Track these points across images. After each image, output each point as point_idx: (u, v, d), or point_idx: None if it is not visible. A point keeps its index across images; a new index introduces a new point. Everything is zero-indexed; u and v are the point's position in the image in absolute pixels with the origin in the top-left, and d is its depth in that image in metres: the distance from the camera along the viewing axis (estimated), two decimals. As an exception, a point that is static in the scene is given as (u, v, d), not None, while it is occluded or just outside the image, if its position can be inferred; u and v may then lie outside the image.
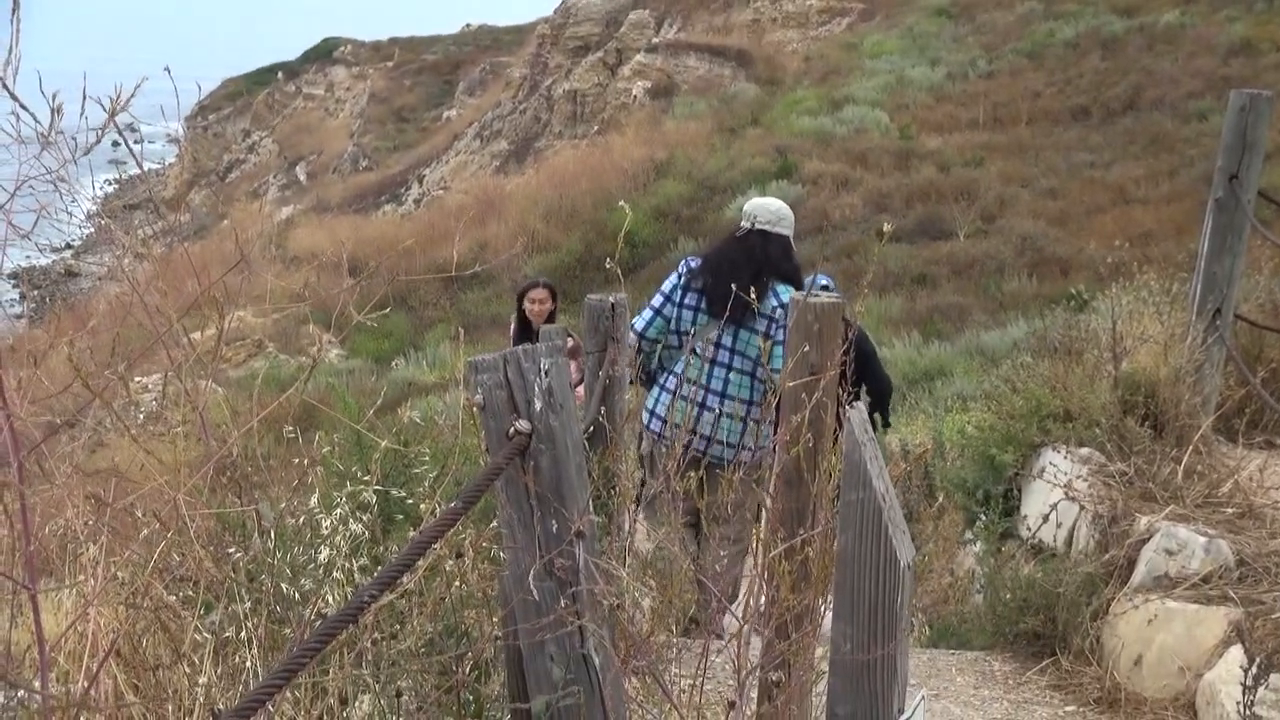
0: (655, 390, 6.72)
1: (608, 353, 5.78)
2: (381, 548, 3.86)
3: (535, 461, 2.78)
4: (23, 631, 3.15)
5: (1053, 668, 5.66)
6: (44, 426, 3.30)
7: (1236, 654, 4.78)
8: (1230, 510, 5.80)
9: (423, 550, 2.47)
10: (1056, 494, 6.30)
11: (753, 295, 5.44)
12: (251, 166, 71.81)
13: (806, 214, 28.48)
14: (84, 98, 2.93)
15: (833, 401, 4.08)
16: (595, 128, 48.15)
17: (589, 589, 2.87)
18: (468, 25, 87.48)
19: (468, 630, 3.65)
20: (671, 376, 6.62)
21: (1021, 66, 37.81)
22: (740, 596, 6.51)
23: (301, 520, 3.80)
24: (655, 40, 52.36)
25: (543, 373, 2.76)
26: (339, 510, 3.80)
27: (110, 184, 61.29)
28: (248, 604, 3.37)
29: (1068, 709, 5.34)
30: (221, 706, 3.15)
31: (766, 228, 6.52)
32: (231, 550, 3.55)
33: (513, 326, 10.75)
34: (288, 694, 3.23)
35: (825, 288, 5.95)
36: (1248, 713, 3.81)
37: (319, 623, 3.10)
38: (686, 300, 6.55)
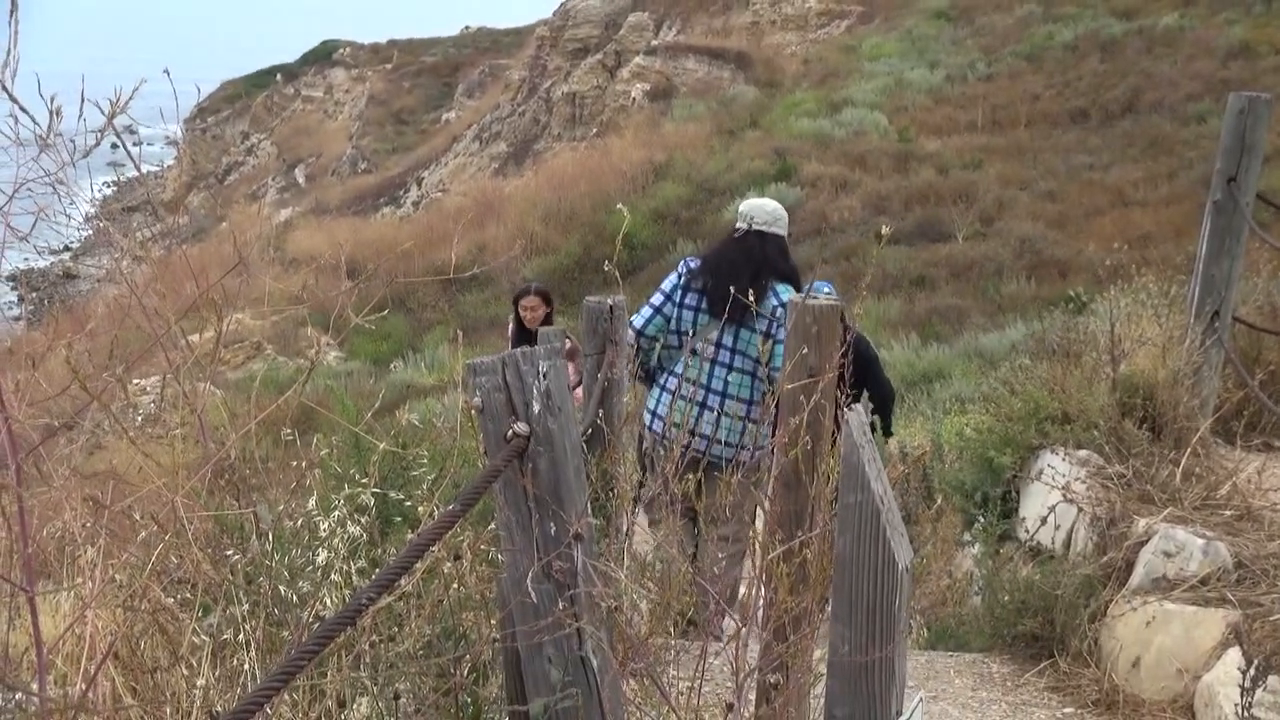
0: (655, 390, 6.75)
1: (606, 355, 5.78)
2: (380, 550, 3.86)
3: (533, 464, 2.78)
4: (20, 634, 3.15)
5: (1051, 670, 5.66)
6: (42, 429, 3.30)
7: (1235, 656, 4.78)
8: (1228, 512, 5.80)
9: (421, 553, 2.47)
10: (1055, 496, 6.30)
11: (752, 295, 5.47)
12: (250, 169, 71.80)
13: (805, 216, 28.52)
14: (82, 100, 2.93)
15: (831, 404, 4.08)
16: (594, 130, 48.17)
17: (587, 591, 2.87)
18: (467, 27, 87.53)
19: (466, 632, 3.65)
20: (672, 377, 6.66)
21: (1020, 69, 37.83)
22: (738, 598, 6.54)
23: (300, 522, 3.80)
24: (654, 42, 52.38)
25: (541, 375, 2.76)
26: (337, 512, 3.80)
27: (109, 186, 61.27)
28: (246, 606, 3.37)
29: (1066, 711, 5.34)
30: (219, 709, 3.15)
31: (763, 228, 6.58)
32: (229, 553, 3.55)
33: (510, 329, 10.76)
34: (286, 696, 3.23)
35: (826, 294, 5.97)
36: (1246, 714, 3.81)
37: (317, 625, 3.10)
38: (687, 300, 6.58)
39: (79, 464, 4.71)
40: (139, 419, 5.26)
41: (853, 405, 3.37)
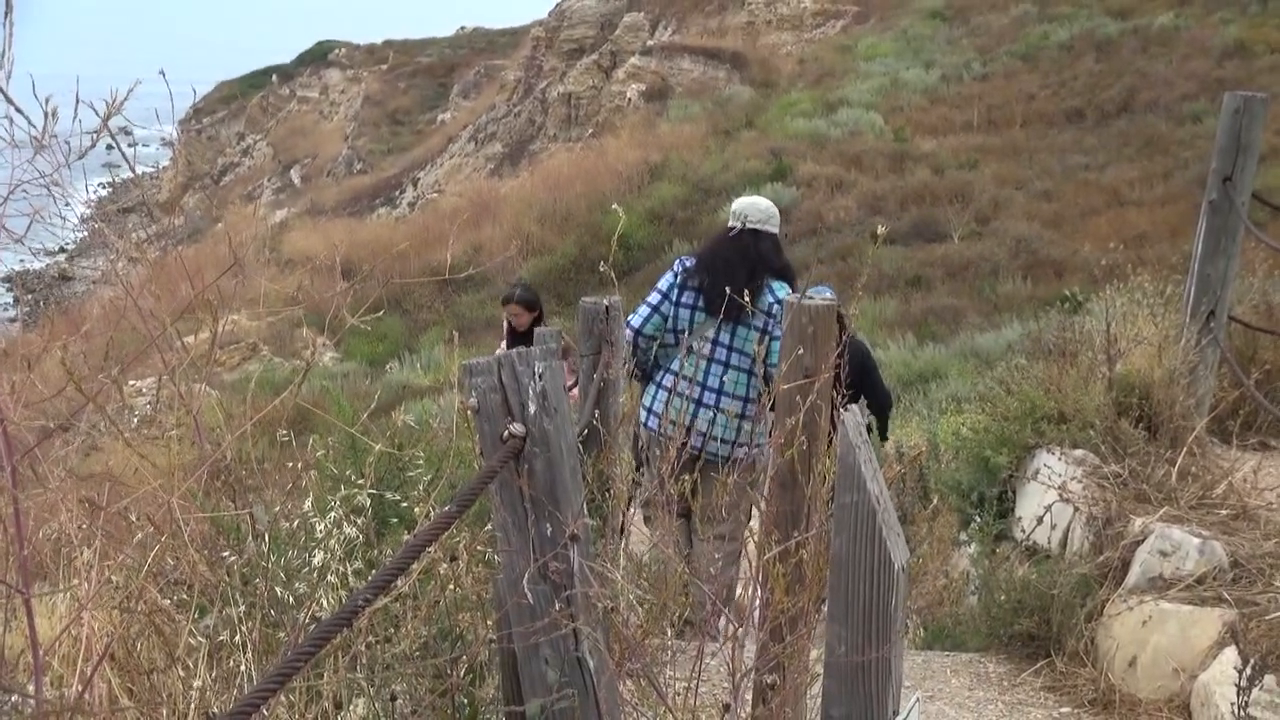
0: (652, 388, 6.78)
1: (602, 355, 5.79)
2: (376, 551, 3.85)
3: (530, 465, 2.78)
4: (16, 636, 3.15)
5: (1047, 669, 5.67)
6: (38, 430, 3.30)
7: (1231, 655, 4.78)
8: (1224, 512, 5.81)
9: (417, 554, 2.47)
10: (1051, 496, 6.30)
11: (748, 293, 5.50)
12: (246, 170, 71.76)
13: (801, 216, 28.54)
14: (77, 101, 2.92)
15: (827, 404, 4.08)
16: (590, 130, 48.17)
17: (583, 592, 2.87)
18: (462, 28, 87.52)
19: (462, 633, 3.65)
20: (669, 374, 6.69)
21: (1016, 69, 37.84)
22: (734, 598, 6.55)
23: (296, 524, 3.79)
24: (650, 43, 52.37)
25: (537, 376, 2.76)
26: (333, 514, 3.80)
27: (104, 187, 61.21)
28: (242, 608, 3.36)
29: (1062, 710, 5.34)
30: (216, 710, 3.15)
31: (758, 226, 6.66)
32: (226, 554, 3.55)
33: (505, 329, 10.75)
34: (282, 697, 3.23)
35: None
36: (1242, 714, 3.81)
37: (314, 626, 3.10)
38: (683, 299, 6.62)
39: (75, 466, 4.71)
40: (134, 420, 5.25)
41: (849, 406, 3.37)
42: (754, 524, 5.61)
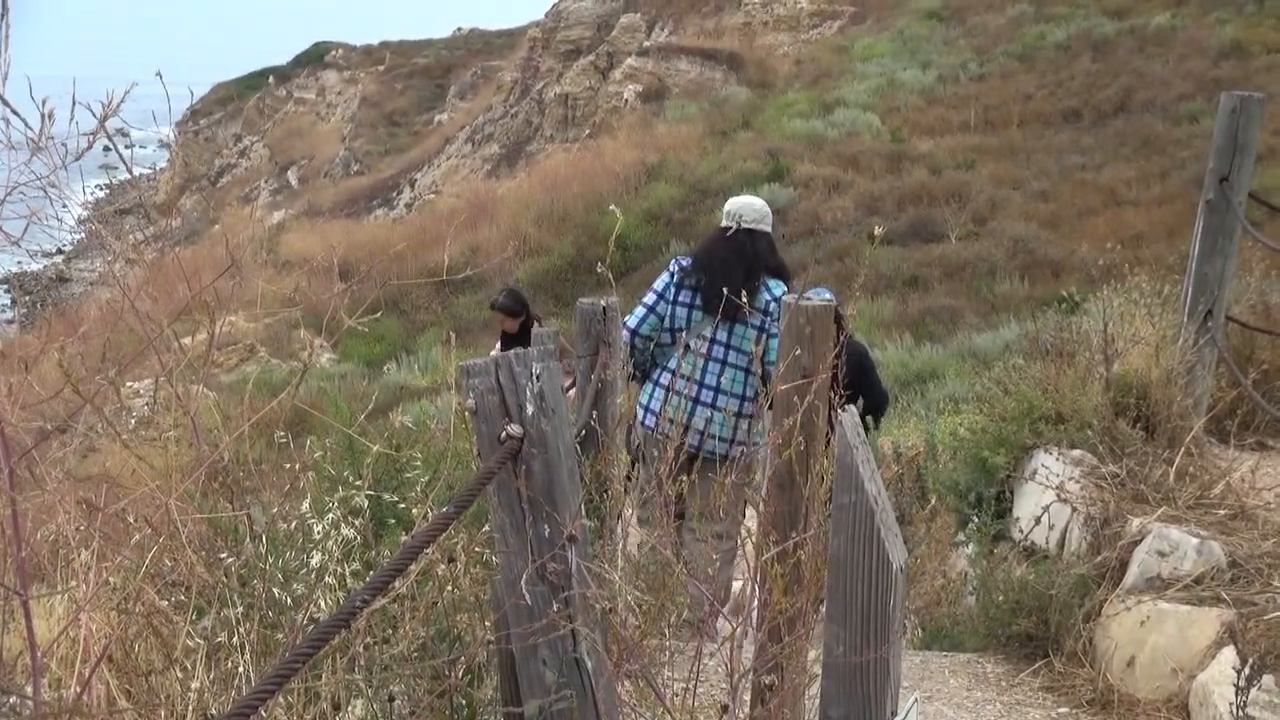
0: (649, 386, 6.81)
1: (599, 356, 5.79)
2: (373, 552, 3.85)
3: (527, 466, 2.78)
4: (14, 637, 3.15)
5: (1045, 669, 5.67)
6: (35, 432, 3.29)
7: (1229, 655, 4.78)
8: (1222, 512, 5.81)
9: (415, 555, 2.47)
10: (1048, 496, 6.31)
11: (746, 292, 5.55)
12: (243, 171, 71.71)
13: (798, 217, 28.56)
14: (74, 103, 2.92)
15: (825, 405, 4.08)
16: (587, 131, 48.15)
17: (581, 593, 2.87)
18: (459, 29, 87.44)
19: (460, 635, 3.64)
20: (666, 373, 6.73)
21: (1012, 69, 37.86)
22: (732, 597, 6.56)
23: (293, 525, 3.79)
24: (646, 44, 52.35)
25: (534, 377, 2.76)
26: (331, 515, 3.79)
27: (101, 189, 61.14)
28: (240, 609, 3.36)
29: (1061, 710, 5.34)
30: (214, 712, 3.15)
31: (752, 226, 6.74)
32: (223, 555, 3.54)
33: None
34: (280, 699, 3.23)
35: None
36: (1240, 714, 3.81)
37: (311, 628, 3.10)
38: (680, 298, 6.68)
39: (72, 467, 4.71)
40: (132, 422, 5.25)
41: (847, 406, 3.37)
42: (749, 522, 5.62)
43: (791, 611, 3.36)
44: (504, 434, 2.75)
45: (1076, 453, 6.42)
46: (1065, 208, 26.67)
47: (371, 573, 3.27)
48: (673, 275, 6.73)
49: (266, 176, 67.28)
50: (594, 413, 5.28)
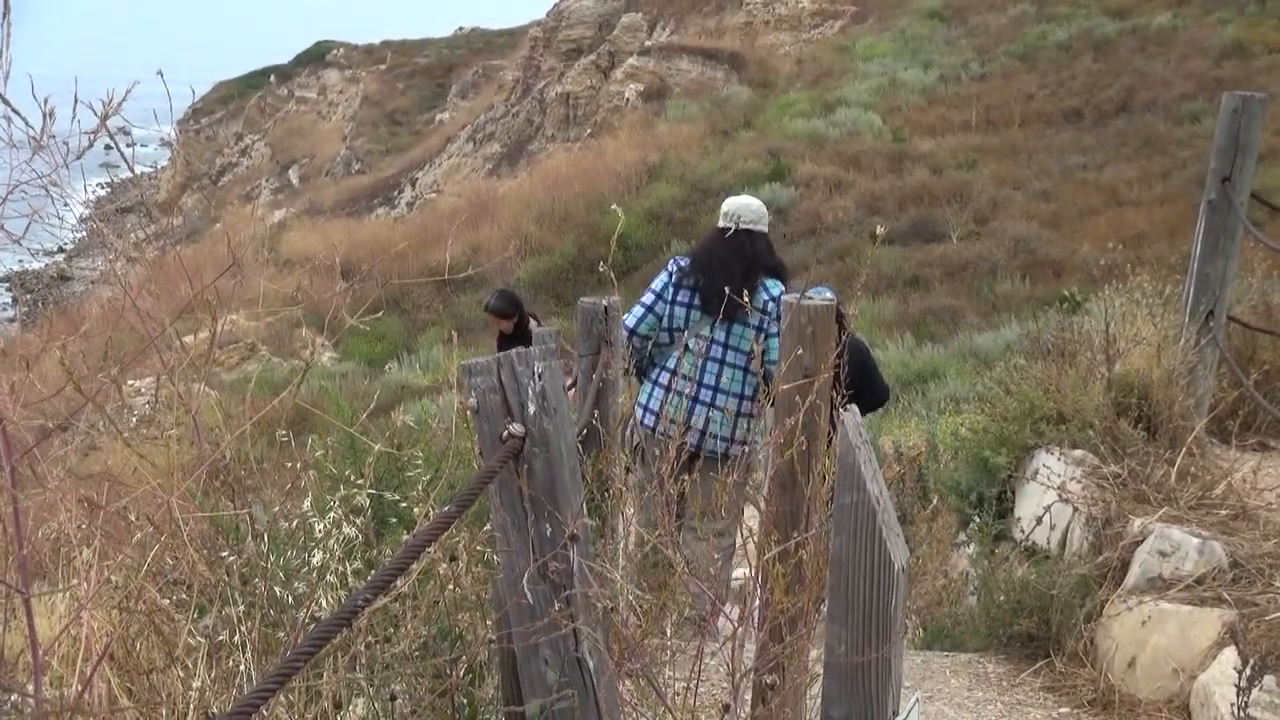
0: (648, 386, 6.83)
1: (601, 355, 5.79)
2: (375, 551, 3.85)
3: (529, 465, 2.78)
4: (16, 635, 3.14)
5: (1047, 669, 5.67)
6: (37, 430, 3.29)
7: (1230, 656, 4.78)
8: (1224, 512, 5.81)
9: (417, 554, 2.47)
10: (1050, 496, 6.31)
11: (745, 292, 5.57)
12: (244, 170, 71.71)
13: (799, 216, 28.56)
14: (75, 101, 2.92)
15: (826, 404, 4.08)
16: (588, 130, 48.15)
17: (583, 592, 2.87)
18: (460, 28, 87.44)
19: (462, 634, 3.64)
20: (665, 372, 6.75)
21: (1014, 69, 37.84)
22: (732, 593, 6.56)
23: (295, 524, 3.79)
24: (648, 43, 52.35)
25: (536, 376, 2.76)
26: (332, 514, 3.79)
27: (102, 187, 61.15)
28: (241, 607, 3.36)
29: (1061, 710, 5.34)
30: (215, 710, 3.15)
31: (750, 226, 6.76)
32: (225, 554, 3.54)
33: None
34: (281, 697, 3.22)
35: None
36: (1242, 714, 3.81)
37: (313, 626, 3.10)
38: (679, 298, 6.70)
39: (74, 465, 4.71)
40: (133, 420, 5.25)
41: (849, 406, 3.37)
42: (751, 522, 5.63)
43: (793, 611, 3.36)
44: (506, 433, 2.75)
45: (1078, 453, 6.41)
46: (1067, 207, 26.65)
47: (373, 572, 3.27)
48: (671, 275, 6.76)
49: (268, 175, 67.28)
50: (595, 412, 5.28)
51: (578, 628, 2.87)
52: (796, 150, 33.42)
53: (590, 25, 56.73)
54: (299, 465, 4.03)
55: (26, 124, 2.83)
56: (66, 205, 3.33)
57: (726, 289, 5.57)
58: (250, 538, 3.57)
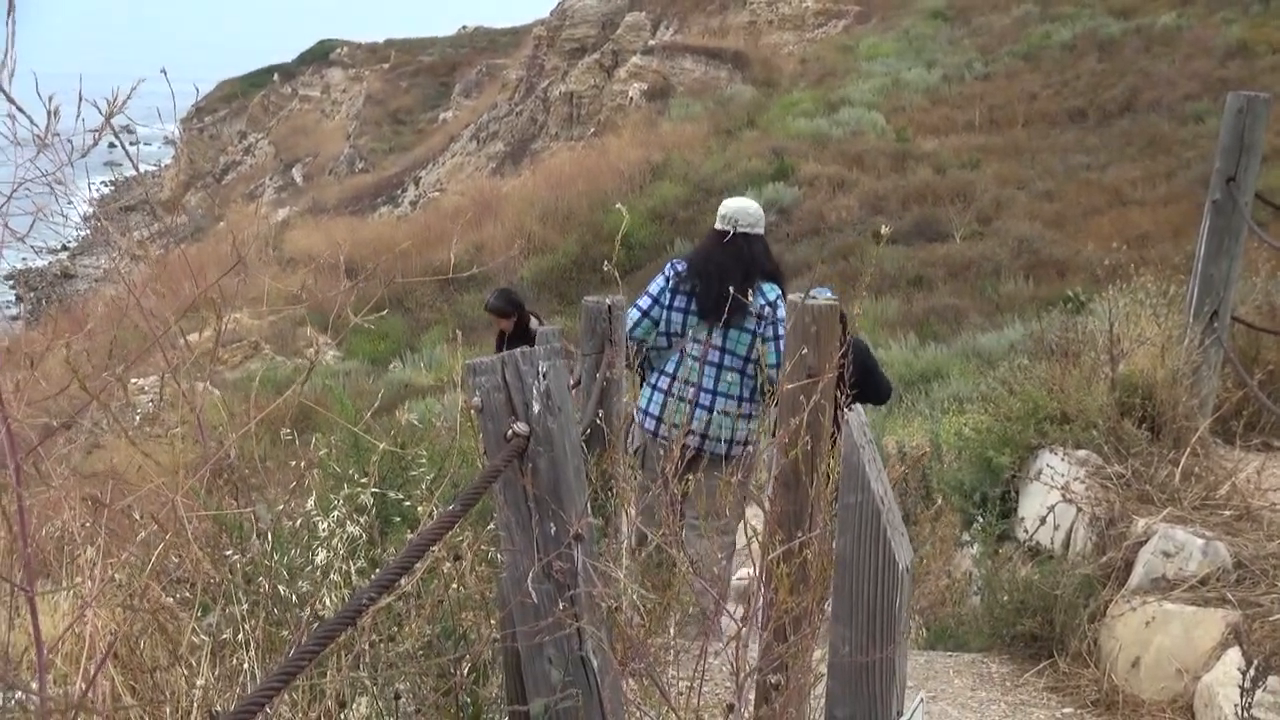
0: (647, 390, 6.83)
1: (605, 355, 5.78)
2: (379, 550, 3.85)
3: (533, 464, 2.78)
4: (20, 633, 3.14)
5: (1050, 670, 5.66)
6: (41, 428, 3.30)
7: (1234, 656, 4.78)
8: (1228, 512, 5.80)
9: (421, 553, 2.47)
10: (1054, 496, 6.30)
11: (742, 296, 5.58)
12: (248, 168, 71.74)
13: (803, 216, 28.55)
14: (80, 100, 2.92)
15: (830, 404, 4.08)
16: (591, 129, 48.14)
17: (587, 591, 2.87)
18: (464, 27, 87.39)
19: (466, 633, 3.64)
20: (664, 376, 6.75)
21: (1018, 69, 37.81)
22: (732, 593, 6.57)
23: (299, 522, 3.79)
24: (651, 42, 52.34)
25: (541, 375, 2.76)
26: (336, 512, 3.79)
27: (106, 185, 61.23)
28: (245, 606, 3.36)
29: (1065, 711, 5.33)
30: (219, 708, 3.15)
31: (748, 230, 6.75)
32: (229, 552, 3.55)
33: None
34: (285, 696, 3.23)
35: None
36: (1246, 715, 3.81)
37: (317, 625, 3.10)
38: (676, 303, 6.72)
39: (78, 463, 4.72)
40: (137, 418, 5.25)
41: (854, 406, 3.37)
42: (755, 522, 5.63)
43: (797, 611, 3.36)
44: (510, 432, 2.75)
45: (1082, 453, 6.41)
46: (1070, 207, 26.63)
47: (377, 570, 3.27)
48: (668, 280, 6.76)
49: (271, 174, 67.29)
50: (600, 411, 5.28)
51: (582, 627, 2.87)
52: (800, 150, 33.41)
53: (594, 24, 56.71)
54: (303, 464, 4.03)
55: (31, 122, 2.83)
56: (70, 203, 3.33)
57: (723, 296, 5.58)
58: (254, 536, 3.58)
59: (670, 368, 6.74)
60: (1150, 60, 34.52)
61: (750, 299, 6.50)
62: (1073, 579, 5.69)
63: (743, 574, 7.33)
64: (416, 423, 6.04)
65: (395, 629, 3.55)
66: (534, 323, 10.32)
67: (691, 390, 6.64)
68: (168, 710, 3.20)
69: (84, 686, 2.99)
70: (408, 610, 3.56)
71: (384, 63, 76.34)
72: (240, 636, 3.32)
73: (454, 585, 3.67)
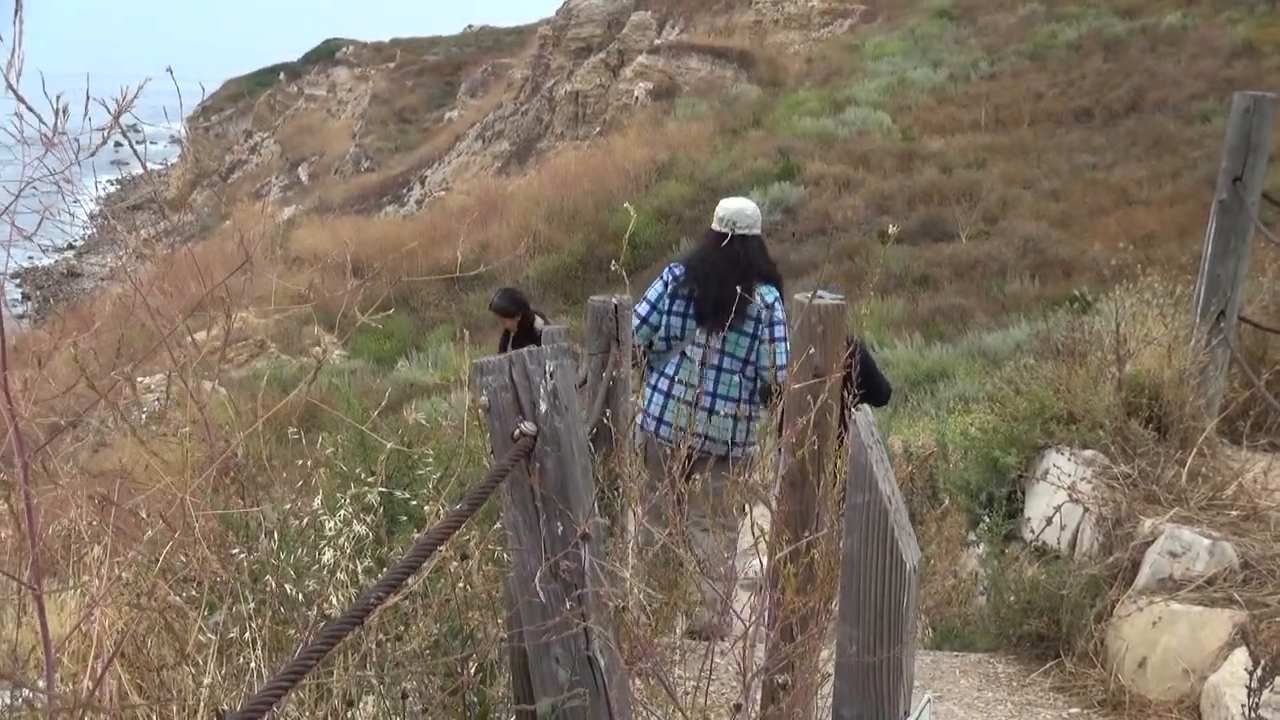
0: (646, 390, 6.86)
1: (611, 354, 5.79)
2: (386, 549, 3.85)
3: (540, 463, 2.78)
4: (28, 632, 3.15)
5: (1057, 670, 5.66)
6: (48, 427, 3.30)
7: (1241, 656, 4.77)
8: (1235, 513, 5.79)
9: (428, 552, 2.47)
10: (1060, 496, 6.29)
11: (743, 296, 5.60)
12: (254, 167, 71.77)
13: (808, 215, 28.54)
14: (87, 99, 2.92)
15: (837, 404, 4.08)
16: (597, 129, 48.14)
17: (594, 591, 2.87)
18: (469, 26, 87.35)
19: (473, 632, 3.64)
20: (663, 378, 6.77)
21: (1023, 68, 37.77)
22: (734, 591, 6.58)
23: (305, 521, 3.79)
24: (657, 42, 52.32)
25: (548, 375, 2.76)
26: (343, 511, 3.79)
27: (113, 184, 61.30)
28: (252, 605, 3.37)
29: (1071, 711, 5.33)
30: (226, 707, 3.15)
31: (745, 232, 6.76)
32: (236, 551, 3.55)
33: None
34: (292, 695, 3.23)
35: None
36: (1253, 715, 3.81)
37: (324, 624, 3.10)
38: (674, 308, 6.75)
39: (85, 462, 4.72)
40: (144, 417, 5.26)
41: (861, 406, 3.37)
42: (762, 521, 5.63)
43: (804, 610, 3.36)
44: (517, 431, 2.75)
45: (1088, 453, 6.40)
46: (1076, 207, 26.61)
47: (384, 570, 3.27)
48: (666, 284, 6.77)
49: (277, 173, 67.31)
50: (606, 410, 5.28)
51: (589, 626, 2.87)
52: (806, 149, 33.40)
53: (600, 23, 56.70)
54: (309, 463, 4.04)
55: (39, 120, 2.83)
56: (77, 202, 3.34)
57: (722, 302, 5.59)
58: (261, 535, 3.58)
59: (670, 369, 6.77)
60: (1156, 60, 34.48)
61: (749, 301, 6.51)
62: (1079, 579, 5.68)
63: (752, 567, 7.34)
64: (423, 422, 6.04)
65: (402, 628, 3.56)
66: (539, 322, 10.34)
67: (692, 392, 6.65)
68: (175, 709, 3.20)
69: (91, 685, 2.99)
70: (415, 609, 3.56)
71: (390, 62, 76.35)
72: (247, 635, 3.33)
73: (461, 584, 3.68)
